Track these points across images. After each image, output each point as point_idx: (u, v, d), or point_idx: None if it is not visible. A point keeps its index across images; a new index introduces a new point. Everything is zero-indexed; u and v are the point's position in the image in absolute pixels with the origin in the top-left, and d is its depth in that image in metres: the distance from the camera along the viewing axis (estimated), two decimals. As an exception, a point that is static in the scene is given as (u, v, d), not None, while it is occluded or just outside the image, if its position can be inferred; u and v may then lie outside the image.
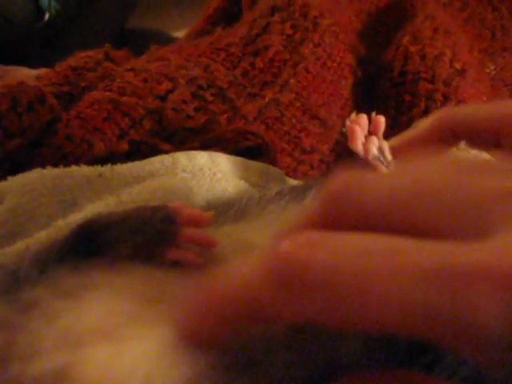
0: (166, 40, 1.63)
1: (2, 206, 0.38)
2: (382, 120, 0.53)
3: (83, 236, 0.28)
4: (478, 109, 0.33)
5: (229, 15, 0.98)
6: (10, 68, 0.85)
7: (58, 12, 1.36)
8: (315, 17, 0.69)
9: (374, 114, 0.51)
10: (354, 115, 0.52)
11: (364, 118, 0.51)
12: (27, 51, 1.35)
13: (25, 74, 0.80)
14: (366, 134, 0.50)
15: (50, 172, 0.42)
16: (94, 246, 0.28)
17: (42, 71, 0.82)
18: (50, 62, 0.99)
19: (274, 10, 0.69)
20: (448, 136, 0.33)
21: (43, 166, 0.45)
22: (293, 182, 0.51)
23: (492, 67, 0.86)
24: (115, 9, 1.63)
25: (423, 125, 0.35)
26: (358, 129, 0.51)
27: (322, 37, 0.67)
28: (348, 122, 0.51)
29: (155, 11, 1.75)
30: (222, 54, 0.62)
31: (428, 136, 0.35)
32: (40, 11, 1.31)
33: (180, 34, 1.63)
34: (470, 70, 0.72)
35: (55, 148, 0.49)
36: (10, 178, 0.44)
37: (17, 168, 0.47)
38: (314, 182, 0.47)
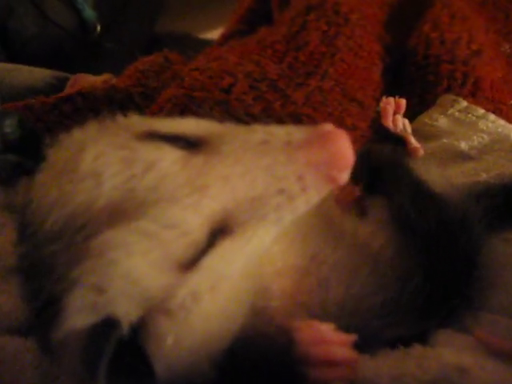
0: (193, 42, 1.72)
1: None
2: (403, 102, 0.63)
3: None
4: None
5: (259, 15, 1.08)
6: (77, 76, 0.96)
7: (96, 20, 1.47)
8: (346, 13, 0.79)
9: (397, 97, 0.62)
10: (384, 98, 0.63)
11: (392, 100, 0.62)
12: (72, 58, 1.46)
13: (92, 80, 0.92)
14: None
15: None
16: None
17: (107, 76, 0.94)
18: (91, 67, 1.10)
19: (309, 9, 0.80)
20: None
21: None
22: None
23: (507, 46, 0.94)
24: (145, 15, 1.72)
25: None
26: (389, 108, 0.62)
27: (352, 30, 0.78)
28: (381, 104, 0.62)
29: (182, 15, 1.83)
30: (269, 51, 0.73)
31: None
32: (84, 22, 1.42)
33: (206, 35, 1.71)
34: (486, 50, 0.81)
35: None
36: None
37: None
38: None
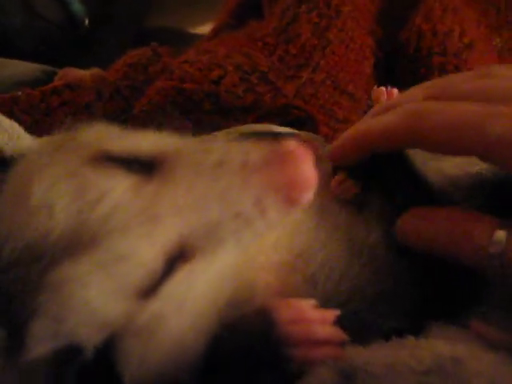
0: (182, 36, 1.71)
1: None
2: (395, 92, 0.63)
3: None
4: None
5: (249, 8, 1.07)
6: (66, 70, 0.95)
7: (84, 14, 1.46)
8: (337, 5, 0.78)
9: (388, 87, 0.61)
10: (375, 87, 0.62)
11: (384, 90, 0.61)
12: (60, 52, 1.44)
13: (81, 73, 0.90)
14: None
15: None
16: None
17: (95, 70, 0.93)
18: (79, 61, 1.09)
19: (300, 1, 0.79)
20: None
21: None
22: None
23: (498, 40, 0.94)
24: (134, 9, 1.71)
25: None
26: (382, 98, 0.61)
27: (344, 22, 0.77)
28: (373, 93, 0.61)
29: (172, 10, 1.82)
30: (260, 44, 0.72)
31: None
32: (72, 16, 1.41)
33: (196, 30, 1.70)
34: (478, 43, 0.81)
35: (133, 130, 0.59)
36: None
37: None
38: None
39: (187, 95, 0.61)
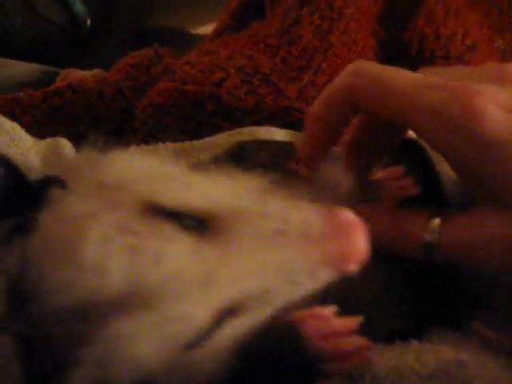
0: (183, 37, 1.71)
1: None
2: None
3: None
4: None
5: (251, 9, 1.07)
6: (68, 71, 0.95)
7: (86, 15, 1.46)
8: (340, 7, 0.78)
9: None
10: None
11: None
12: (62, 53, 1.44)
13: (82, 74, 0.90)
14: None
15: (140, 149, 0.52)
16: None
17: (97, 71, 0.93)
18: (80, 62, 1.09)
19: (302, 3, 0.79)
20: (348, 104, 0.35)
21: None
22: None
23: (500, 42, 0.94)
24: (136, 9, 1.71)
25: (328, 90, 0.37)
26: None
27: (346, 24, 0.77)
28: None
29: (173, 10, 1.82)
30: (262, 46, 0.72)
31: (331, 103, 0.36)
32: (74, 16, 1.41)
33: (198, 30, 1.70)
34: (480, 45, 0.81)
35: (135, 131, 0.59)
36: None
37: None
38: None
39: (189, 97, 0.61)
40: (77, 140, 0.57)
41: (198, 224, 0.27)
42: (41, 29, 1.35)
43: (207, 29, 1.20)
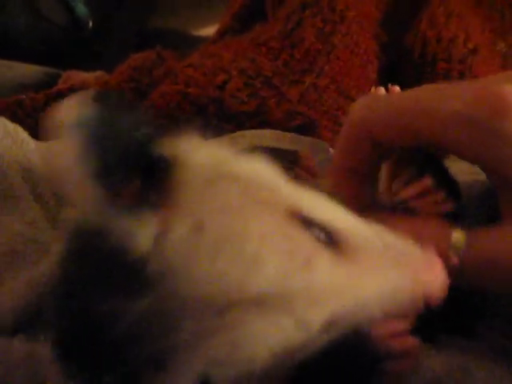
0: (185, 39, 1.71)
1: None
2: (397, 89, 0.62)
3: None
4: (388, 106, 0.32)
5: (253, 12, 1.07)
6: (70, 72, 0.95)
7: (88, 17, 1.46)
8: (342, 10, 0.78)
9: (390, 85, 0.60)
10: (373, 89, 0.61)
11: (382, 90, 0.60)
12: (64, 55, 1.44)
13: (85, 76, 0.91)
14: None
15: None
16: None
17: (99, 73, 0.93)
18: (83, 64, 1.09)
19: (304, 6, 0.79)
20: (367, 142, 0.32)
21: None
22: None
23: (502, 45, 0.94)
24: (138, 11, 1.71)
25: (342, 136, 0.34)
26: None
27: (348, 27, 0.77)
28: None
29: (174, 12, 1.82)
30: (264, 48, 0.72)
31: (349, 147, 0.34)
32: (76, 18, 1.41)
33: (200, 33, 1.70)
34: (482, 49, 0.81)
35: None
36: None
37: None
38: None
39: (191, 100, 0.61)
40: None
41: (327, 237, 0.28)
42: (43, 30, 1.35)
43: (209, 31, 1.20)
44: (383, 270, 0.28)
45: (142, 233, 0.25)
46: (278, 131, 0.57)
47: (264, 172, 0.30)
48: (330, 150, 0.61)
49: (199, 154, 0.29)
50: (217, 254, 0.25)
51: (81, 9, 1.38)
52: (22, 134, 0.53)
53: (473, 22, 0.87)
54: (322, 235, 0.27)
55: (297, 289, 0.25)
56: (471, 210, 0.38)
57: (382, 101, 0.33)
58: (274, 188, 0.29)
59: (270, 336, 0.25)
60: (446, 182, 0.34)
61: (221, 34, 1.03)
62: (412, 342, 0.30)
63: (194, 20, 1.74)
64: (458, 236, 0.30)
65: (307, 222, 0.27)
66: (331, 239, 0.27)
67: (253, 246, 0.25)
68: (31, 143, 0.52)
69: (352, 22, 0.78)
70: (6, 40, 1.26)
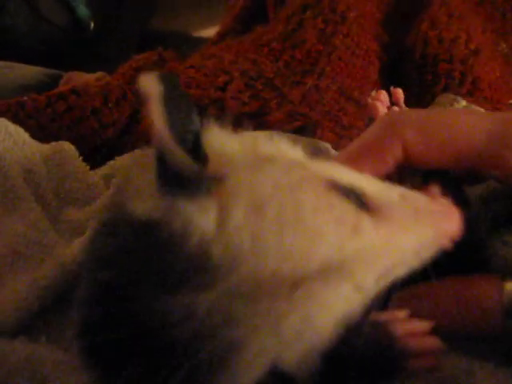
0: (186, 40, 1.71)
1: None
2: (399, 91, 0.62)
3: None
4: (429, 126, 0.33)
5: (254, 13, 1.07)
6: (71, 74, 0.95)
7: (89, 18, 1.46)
8: (343, 11, 0.78)
9: (392, 87, 0.60)
10: (374, 92, 0.61)
11: (383, 93, 0.60)
12: (65, 56, 1.44)
13: (86, 78, 0.90)
14: (388, 105, 0.59)
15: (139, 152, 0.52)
16: None
17: (100, 74, 0.93)
18: (84, 65, 1.09)
19: (305, 7, 0.79)
20: (398, 146, 0.33)
21: (132, 150, 0.55)
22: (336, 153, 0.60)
23: (504, 45, 0.94)
24: (139, 12, 1.71)
25: (370, 132, 0.35)
26: (378, 104, 0.60)
27: (349, 28, 0.77)
28: (369, 100, 0.60)
29: (175, 13, 1.82)
30: (265, 50, 0.72)
31: (376, 142, 0.34)
32: (77, 19, 1.41)
33: (201, 34, 1.70)
34: (484, 49, 0.81)
35: (140, 134, 0.59)
36: (109, 163, 0.54)
37: (112, 154, 0.57)
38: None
39: (192, 101, 0.61)
40: (81, 144, 0.57)
41: (361, 203, 0.29)
42: (44, 31, 1.35)
43: (210, 32, 1.20)
44: (412, 225, 0.29)
45: (203, 220, 0.24)
46: (279, 133, 0.56)
47: (292, 152, 0.31)
48: (331, 150, 0.61)
49: (232, 142, 0.31)
50: (282, 231, 0.25)
51: (82, 10, 1.38)
52: (24, 135, 0.53)
53: (474, 22, 0.87)
54: (358, 201, 0.28)
55: (351, 254, 0.26)
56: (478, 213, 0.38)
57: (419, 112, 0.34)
58: (306, 165, 0.30)
59: (335, 305, 0.26)
60: (454, 190, 0.35)
61: (222, 35, 1.03)
62: (433, 341, 0.31)
63: (195, 21, 1.74)
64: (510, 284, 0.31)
65: (343, 191, 0.28)
66: (364, 203, 0.29)
67: (311, 219, 0.26)
68: (33, 144, 0.52)
69: (353, 23, 0.78)
70: (7, 41, 1.26)
